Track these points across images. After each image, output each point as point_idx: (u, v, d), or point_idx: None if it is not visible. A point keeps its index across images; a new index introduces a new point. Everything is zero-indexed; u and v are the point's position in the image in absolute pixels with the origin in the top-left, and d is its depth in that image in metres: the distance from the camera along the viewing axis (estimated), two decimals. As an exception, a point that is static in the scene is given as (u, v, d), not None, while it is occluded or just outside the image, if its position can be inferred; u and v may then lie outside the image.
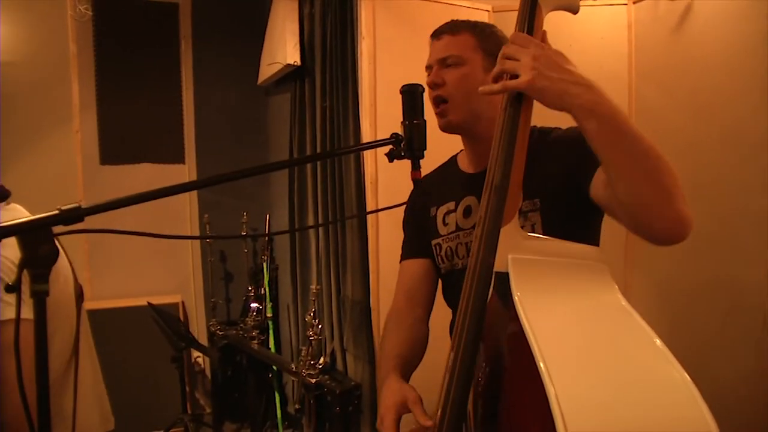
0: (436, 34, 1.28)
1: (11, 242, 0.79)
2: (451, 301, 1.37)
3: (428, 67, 1.27)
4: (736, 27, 2.02)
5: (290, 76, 3.07)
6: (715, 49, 2.09)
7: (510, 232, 0.90)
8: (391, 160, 1.12)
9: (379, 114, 2.35)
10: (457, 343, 0.91)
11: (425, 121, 1.11)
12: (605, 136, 0.90)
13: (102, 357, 3.18)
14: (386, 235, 2.38)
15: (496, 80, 0.95)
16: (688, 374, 0.70)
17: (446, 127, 1.25)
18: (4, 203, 1.37)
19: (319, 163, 2.79)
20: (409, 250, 1.41)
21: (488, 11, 2.55)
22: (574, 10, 1.05)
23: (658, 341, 0.77)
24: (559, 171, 1.15)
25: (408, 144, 1.11)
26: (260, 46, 3.27)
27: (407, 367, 1.19)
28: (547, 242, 0.93)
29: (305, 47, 2.87)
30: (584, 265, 0.90)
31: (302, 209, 3.01)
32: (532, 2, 1.01)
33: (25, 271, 1.26)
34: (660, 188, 0.90)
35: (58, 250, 0.77)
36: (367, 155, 2.36)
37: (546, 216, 1.17)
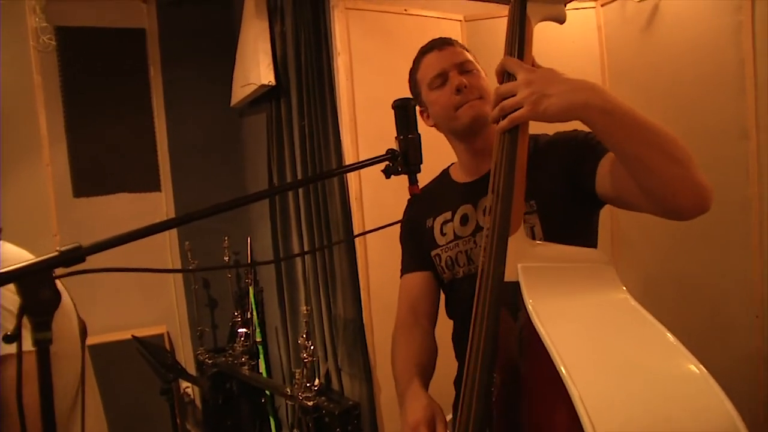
0: (439, 45, 1.31)
1: (7, 287, 0.75)
2: (455, 311, 1.37)
3: (440, 76, 1.28)
4: (704, 24, 2.07)
5: (265, 96, 3.04)
6: (685, 47, 2.14)
7: (517, 242, 0.91)
8: (387, 176, 1.11)
9: (360, 130, 2.34)
10: (474, 357, 0.90)
11: (419, 134, 1.11)
12: (620, 130, 0.92)
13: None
14: (375, 250, 2.36)
15: (496, 121, 0.97)
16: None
17: (477, 118, 1.24)
18: None
19: (300, 179, 2.76)
20: (409, 265, 1.41)
21: (460, 21, 2.57)
22: (561, 21, 1.07)
23: (670, 336, 0.79)
24: (555, 172, 1.18)
25: (404, 159, 1.10)
26: (231, 67, 3.23)
27: (426, 377, 1.19)
28: (553, 248, 0.94)
29: (278, 66, 2.84)
30: (591, 268, 0.92)
31: (286, 230, 2.97)
32: (521, 15, 1.01)
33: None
34: (678, 164, 0.92)
35: (60, 295, 0.73)
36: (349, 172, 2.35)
37: (544, 217, 1.19)
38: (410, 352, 1.25)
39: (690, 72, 2.14)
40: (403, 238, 1.45)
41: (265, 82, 2.78)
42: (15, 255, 1.27)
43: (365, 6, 2.39)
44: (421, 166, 1.11)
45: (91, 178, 3.28)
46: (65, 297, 1.34)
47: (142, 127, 3.43)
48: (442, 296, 1.40)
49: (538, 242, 0.93)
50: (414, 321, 1.33)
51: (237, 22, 3.16)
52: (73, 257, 0.72)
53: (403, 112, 1.12)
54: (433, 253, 1.34)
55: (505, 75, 1.00)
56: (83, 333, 1.37)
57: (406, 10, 2.46)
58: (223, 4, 3.51)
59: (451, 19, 2.56)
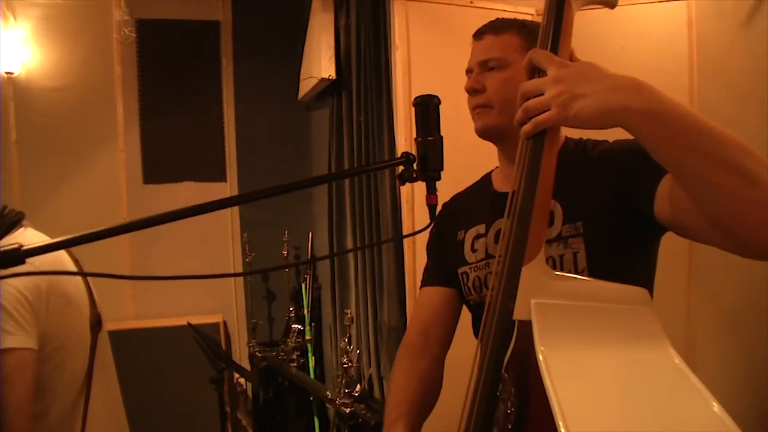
0: (479, 34, 1.15)
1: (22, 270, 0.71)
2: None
3: (468, 71, 1.14)
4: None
5: (329, 90, 2.99)
6: (793, 45, 1.85)
7: (534, 272, 0.74)
8: (402, 183, 0.98)
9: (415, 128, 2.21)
10: (471, 406, 0.77)
11: (441, 137, 0.96)
12: (673, 141, 0.72)
13: (142, 376, 3.19)
14: (423, 258, 2.23)
15: (520, 124, 0.80)
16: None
17: (483, 130, 1.11)
18: (20, 228, 1.34)
19: (356, 180, 2.68)
20: (429, 277, 1.27)
21: (532, 15, 2.37)
22: (611, 5, 0.89)
23: (716, 407, 0.60)
24: (607, 188, 0.98)
25: (422, 164, 0.97)
26: (300, 60, 3.22)
27: (418, 418, 1.05)
28: (578, 283, 0.77)
29: (341, 60, 2.78)
30: (625, 311, 0.73)
31: (341, 229, 2.90)
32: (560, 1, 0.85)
33: (28, 303, 1.20)
34: (758, 188, 0.69)
35: None
36: (401, 169, 2.23)
37: (591, 241, 1.00)
38: (409, 383, 1.11)
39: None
40: (430, 247, 1.31)
41: (326, 76, 2.72)
42: (35, 241, 1.27)
43: (427, -2, 2.26)
44: (443, 172, 0.98)
45: (160, 165, 3.38)
46: (77, 287, 1.33)
47: (212, 117, 3.49)
48: (465, 314, 1.25)
49: (560, 274, 0.76)
50: (423, 344, 1.20)
51: (307, 15, 3.13)
52: (9, 258, 0.66)
53: (424, 110, 0.98)
54: (460, 270, 1.19)
55: (535, 71, 0.84)
56: (96, 326, 1.36)
57: (472, 2, 2.30)
58: (296, -3, 3.49)
59: (521, 13, 2.37)
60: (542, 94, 0.78)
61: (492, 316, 0.76)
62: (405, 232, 2.24)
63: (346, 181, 2.82)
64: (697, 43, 2.19)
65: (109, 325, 3.19)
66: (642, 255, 1.02)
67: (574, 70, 0.77)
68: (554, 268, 1.01)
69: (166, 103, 3.37)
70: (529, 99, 0.80)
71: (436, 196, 0.99)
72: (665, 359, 0.68)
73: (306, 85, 3.06)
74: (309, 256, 3.59)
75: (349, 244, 2.80)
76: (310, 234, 3.55)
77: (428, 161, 0.96)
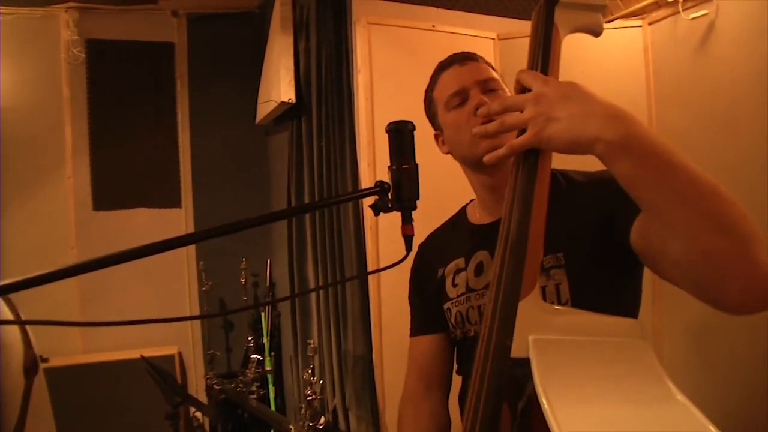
0: (461, 59, 1.11)
1: None
2: (464, 370, 1.17)
3: (458, 94, 1.08)
4: (763, 41, 1.83)
5: (288, 114, 2.93)
6: (744, 69, 1.90)
7: (530, 307, 0.70)
8: (377, 213, 0.93)
9: (379, 154, 2.17)
10: None
11: (417, 165, 0.92)
12: (645, 177, 0.69)
13: (92, 415, 3.00)
14: (389, 284, 2.18)
15: (488, 137, 0.81)
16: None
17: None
18: None
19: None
20: (418, 327, 1.22)
21: (493, 39, 2.39)
22: (596, 33, 0.87)
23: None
24: (588, 219, 0.95)
25: (396, 193, 0.92)
26: (258, 84, 3.15)
27: None
28: (574, 316, 0.74)
29: (301, 83, 2.73)
30: (622, 345, 0.71)
31: (302, 256, 2.82)
32: (548, 23, 0.83)
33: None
34: (730, 239, 0.67)
35: None
36: (366, 198, 2.18)
37: (573, 272, 0.96)
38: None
39: (749, 98, 1.89)
40: (412, 295, 1.26)
41: (285, 100, 2.66)
42: None
43: (390, 21, 2.24)
44: (418, 202, 0.93)
45: (111, 191, 3.24)
46: (9, 333, 1.22)
47: (165, 142, 3.37)
48: None
49: (555, 307, 0.73)
50: (424, 392, 1.17)
51: (265, 37, 3.08)
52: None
53: (398, 137, 0.94)
54: (445, 306, 1.15)
55: (523, 93, 0.82)
56: (32, 369, 1.25)
57: (434, 26, 2.30)
58: (253, 20, 3.43)
59: (483, 37, 2.38)
60: (522, 111, 0.76)
61: (486, 355, 0.71)
62: (369, 260, 2.18)
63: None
64: (654, 68, 2.24)
65: (54, 361, 3.00)
66: (626, 285, 0.99)
67: (556, 89, 0.75)
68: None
69: (117, 127, 3.24)
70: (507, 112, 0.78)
71: (412, 226, 0.94)
72: (666, 394, 0.64)
73: (264, 109, 2.99)
74: (267, 284, 3.48)
75: (311, 274, 2.72)
76: (269, 261, 3.46)
77: (403, 190, 0.91)
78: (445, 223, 1.24)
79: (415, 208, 0.93)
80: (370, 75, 2.18)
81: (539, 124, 0.72)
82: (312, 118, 2.62)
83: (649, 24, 2.25)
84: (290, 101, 2.67)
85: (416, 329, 1.22)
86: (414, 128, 0.95)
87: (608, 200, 0.91)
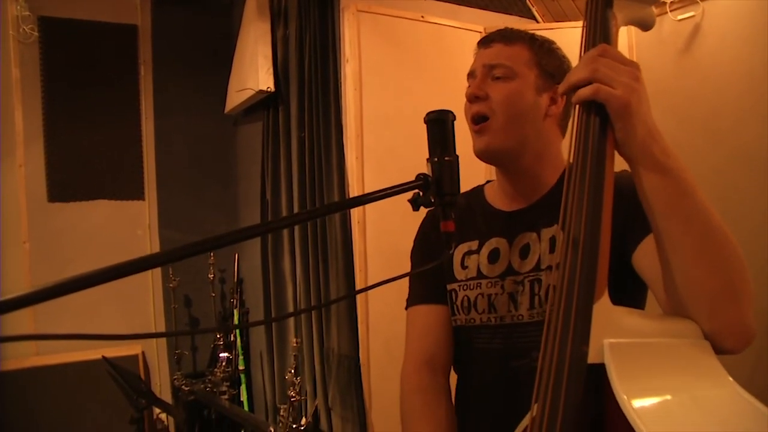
0: (486, 42, 1.06)
1: None
2: (465, 366, 1.11)
3: (470, 75, 1.04)
4: (750, 45, 1.89)
5: (261, 103, 2.82)
6: (729, 71, 1.95)
7: (603, 310, 0.67)
8: (416, 208, 0.87)
9: (367, 145, 2.11)
10: None
11: (458, 156, 0.87)
12: (669, 197, 0.71)
13: (52, 419, 2.82)
14: (376, 279, 2.12)
15: (573, 88, 0.73)
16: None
17: (483, 152, 1.01)
18: None
19: (296, 197, 2.52)
20: (421, 294, 1.12)
21: (480, 32, 2.36)
22: (648, 27, 0.85)
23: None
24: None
25: (437, 187, 0.87)
26: (227, 71, 3.01)
27: None
28: (640, 317, 0.71)
29: (278, 72, 2.62)
30: (688, 346, 0.70)
31: (277, 251, 2.72)
32: (605, 11, 0.79)
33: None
34: (727, 284, 0.70)
35: None
36: (354, 188, 2.12)
37: None
38: None
39: (733, 99, 1.94)
40: (416, 259, 1.17)
41: (264, 88, 2.56)
42: None
43: (379, 10, 2.18)
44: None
45: (68, 182, 3.02)
46: None
47: (128, 129, 3.17)
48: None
49: (623, 309, 0.69)
50: (431, 380, 1.06)
51: (236, 23, 2.95)
52: None
53: (440, 128, 0.89)
54: (449, 287, 1.09)
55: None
56: None
57: (423, 16, 2.25)
58: (222, 4, 3.28)
59: (470, 30, 2.35)
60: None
61: (558, 366, 0.66)
62: (357, 257, 2.12)
63: (283, 198, 2.65)
64: (639, 68, 2.27)
65: (5, 364, 2.79)
66: (635, 295, 0.97)
67: (645, 88, 0.72)
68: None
69: (75, 113, 3.02)
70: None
71: (454, 222, 0.89)
72: (736, 394, 0.64)
73: (236, 98, 2.87)
74: (235, 279, 3.36)
75: (287, 269, 2.63)
76: (237, 255, 3.33)
77: (444, 184, 0.87)
78: (458, 196, 1.19)
79: (455, 202, 0.88)
80: (359, 65, 2.12)
81: (633, 91, 0.69)
82: (290, 108, 2.53)
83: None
84: (269, 90, 2.57)
85: (416, 297, 1.13)
86: (455, 118, 0.90)
87: (627, 212, 0.88)
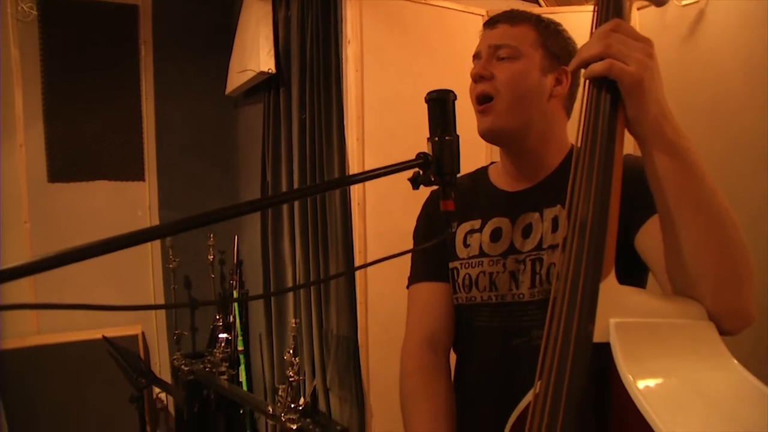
0: (491, 23, 1.06)
1: None
2: (465, 345, 1.12)
3: (476, 56, 1.05)
4: (755, 31, 1.88)
5: (262, 85, 2.81)
6: (734, 57, 1.94)
7: (609, 288, 0.67)
8: (416, 187, 0.88)
9: (368, 127, 2.11)
10: None
11: (458, 136, 0.88)
12: (681, 179, 0.71)
13: (52, 398, 2.85)
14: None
15: (585, 64, 0.72)
16: None
17: (487, 133, 1.02)
18: None
19: (296, 179, 2.53)
20: (423, 271, 1.13)
21: (482, 15, 2.35)
22: (660, 3, 0.85)
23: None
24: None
25: (437, 166, 0.87)
26: (229, 52, 3.00)
27: None
28: (645, 297, 0.71)
29: (280, 53, 2.61)
30: (693, 327, 0.70)
31: (277, 232, 2.73)
32: None
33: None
34: (732, 267, 0.71)
35: None
36: (354, 170, 2.12)
37: None
38: (437, 420, 0.99)
39: (738, 86, 1.94)
40: (418, 238, 1.18)
41: (265, 69, 2.55)
42: None
43: (381, -8, 2.16)
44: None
45: (68, 162, 3.02)
46: None
47: (128, 110, 3.16)
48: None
49: (628, 288, 0.69)
50: (432, 359, 1.07)
51: (237, 4, 2.93)
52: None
53: (441, 107, 0.89)
54: (451, 265, 1.10)
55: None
56: None
57: (426, -1, 2.24)
58: (224, -16, 3.26)
59: (473, 14, 2.34)
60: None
61: (565, 344, 0.67)
62: (356, 237, 2.13)
63: (284, 180, 2.66)
64: (642, 53, 2.26)
65: (6, 343, 2.81)
66: (636, 277, 0.97)
67: (658, 66, 0.72)
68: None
69: (75, 93, 3.01)
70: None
71: (453, 202, 0.90)
72: (741, 376, 0.65)
73: (237, 79, 2.86)
74: (234, 262, 3.37)
75: (287, 251, 2.64)
76: (236, 237, 3.34)
77: (444, 163, 0.87)
78: (462, 177, 1.18)
79: (455, 183, 0.89)
80: (360, 47, 2.11)
81: (647, 68, 0.68)
82: (292, 89, 2.53)
83: (638, 9, 2.27)
84: (270, 71, 2.56)
85: (419, 275, 1.14)
86: (456, 98, 0.90)
87: (632, 192, 0.87)
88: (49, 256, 0.55)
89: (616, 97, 0.71)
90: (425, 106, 0.88)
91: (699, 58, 2.05)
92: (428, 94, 0.88)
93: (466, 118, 0.99)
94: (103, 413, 2.87)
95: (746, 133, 1.91)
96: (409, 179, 0.89)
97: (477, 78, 1.01)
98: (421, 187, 0.85)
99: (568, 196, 0.74)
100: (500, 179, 1.12)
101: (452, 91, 0.90)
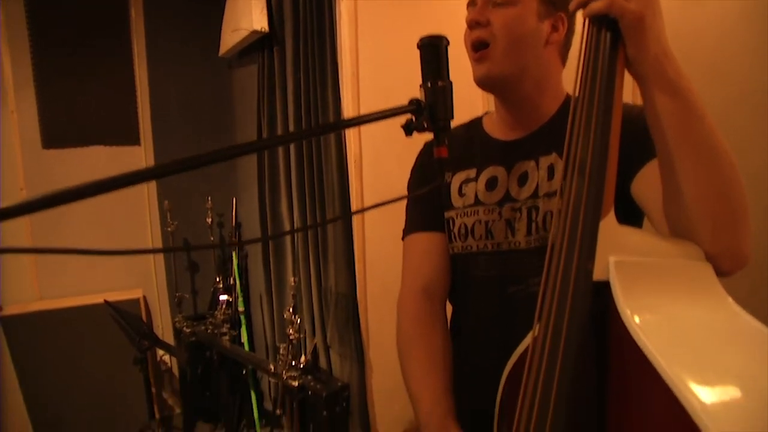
0: None
1: None
2: (461, 295, 1.13)
3: (470, 4, 1.03)
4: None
5: (256, 45, 2.76)
6: (730, 11, 1.90)
7: (609, 227, 0.68)
8: (408, 133, 0.87)
9: (363, 85, 2.09)
10: (546, 396, 0.65)
11: (451, 83, 0.87)
12: (681, 120, 0.70)
13: (57, 362, 2.89)
14: (374, 219, 2.14)
15: (585, 2, 0.71)
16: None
17: (483, 79, 1.00)
18: None
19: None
20: (419, 221, 1.13)
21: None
22: None
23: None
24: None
25: (430, 113, 0.86)
26: (221, 12, 2.94)
27: (455, 404, 0.96)
28: (647, 237, 0.72)
29: (273, 12, 2.56)
30: (691, 267, 0.71)
31: (274, 193, 2.73)
32: None
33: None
34: (730, 208, 0.71)
35: None
36: (349, 129, 2.11)
37: None
38: (435, 368, 1.00)
39: (735, 41, 1.90)
40: (413, 188, 1.18)
41: (258, 28, 2.50)
42: None
43: (374, -56, 2.11)
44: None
45: (63, 128, 3.00)
46: None
47: (121, 74, 3.13)
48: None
49: (627, 228, 0.70)
50: (428, 308, 1.08)
51: (228, -39, 2.86)
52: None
53: (433, 53, 0.87)
54: (447, 215, 1.11)
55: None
56: None
57: (419, -48, 2.18)
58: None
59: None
60: None
61: (565, 284, 0.67)
62: (353, 195, 2.13)
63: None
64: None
65: (8, 309, 2.83)
66: (633, 224, 0.98)
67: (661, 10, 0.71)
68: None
69: (65, 56, 2.96)
70: None
71: (447, 148, 0.89)
72: (736, 314, 0.65)
73: (230, 39, 2.81)
74: (233, 224, 3.38)
75: (285, 211, 2.64)
76: (234, 200, 3.34)
77: (438, 110, 0.86)
78: (457, 127, 1.15)
79: (449, 128, 0.88)
80: (354, 3, 2.07)
81: (648, 6, 0.68)
82: (286, 48, 2.48)
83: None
84: (263, 30, 2.51)
85: (413, 225, 1.14)
86: (448, 44, 0.89)
87: (629, 138, 0.87)
88: (44, 196, 0.55)
89: (616, 35, 0.71)
90: (417, 48, 0.86)
91: (698, 11, 2.01)
92: (420, 39, 0.87)
93: (461, 68, 0.97)
94: (108, 376, 2.92)
95: (746, 85, 1.89)
96: (402, 126, 0.88)
97: (472, 24, 1.00)
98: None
99: (566, 140, 0.74)
100: (495, 128, 1.11)
101: (445, 37, 0.88)
